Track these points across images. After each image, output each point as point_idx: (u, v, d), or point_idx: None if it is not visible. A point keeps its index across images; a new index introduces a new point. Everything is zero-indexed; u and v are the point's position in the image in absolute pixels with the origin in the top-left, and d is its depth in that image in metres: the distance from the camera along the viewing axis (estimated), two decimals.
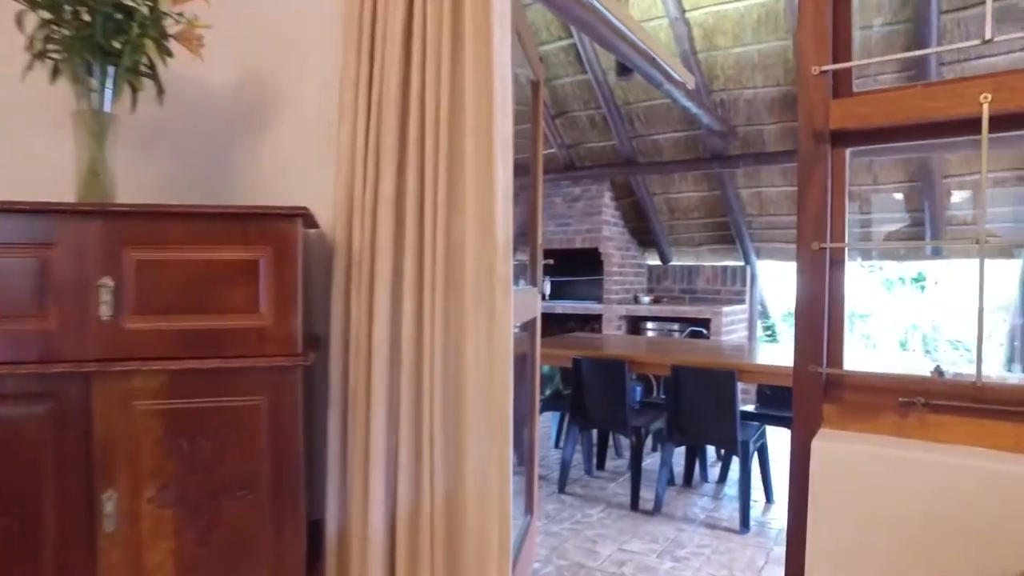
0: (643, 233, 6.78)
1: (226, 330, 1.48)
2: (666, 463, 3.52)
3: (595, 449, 4.26)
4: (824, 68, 1.27)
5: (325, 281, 1.81)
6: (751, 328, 6.47)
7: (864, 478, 1.15)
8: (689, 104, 4.54)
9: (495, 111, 1.61)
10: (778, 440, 4.20)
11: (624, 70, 4.06)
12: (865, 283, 7.33)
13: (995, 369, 6.31)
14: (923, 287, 7.88)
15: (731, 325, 5.97)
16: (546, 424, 5.08)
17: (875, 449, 1.15)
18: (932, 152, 4.83)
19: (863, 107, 1.23)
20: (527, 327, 2.72)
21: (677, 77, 4.16)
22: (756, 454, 3.44)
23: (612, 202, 6.59)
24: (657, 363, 3.63)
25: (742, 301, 6.38)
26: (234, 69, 1.92)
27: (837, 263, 1.32)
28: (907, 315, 6.79)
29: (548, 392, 4.55)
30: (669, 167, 5.97)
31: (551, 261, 2.79)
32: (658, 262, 6.97)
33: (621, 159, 6.18)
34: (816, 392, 1.28)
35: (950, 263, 6.15)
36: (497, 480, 1.65)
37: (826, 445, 1.21)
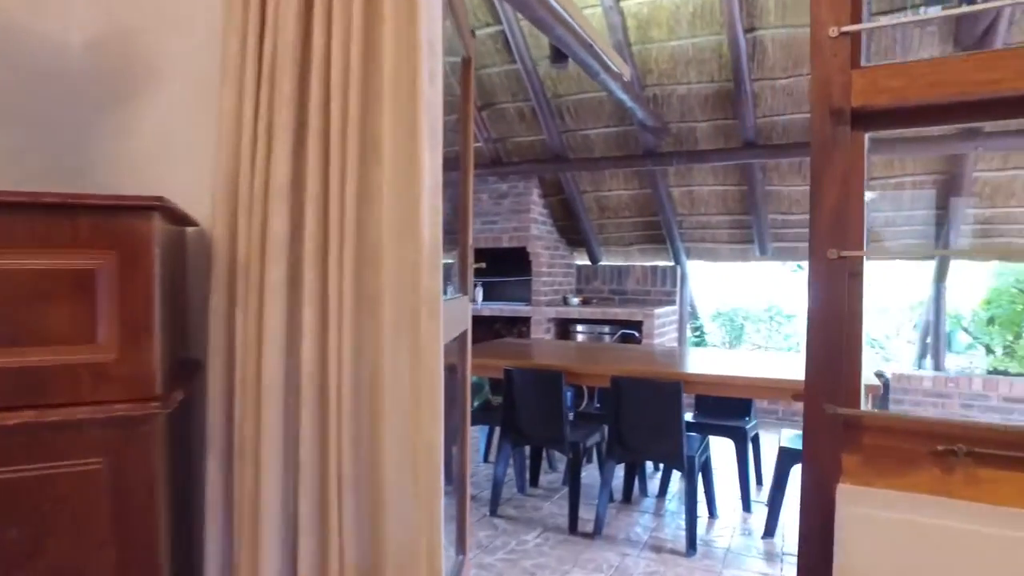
0: (572, 232, 6.56)
1: (45, 368, 1.07)
2: (606, 483, 3.26)
3: (528, 463, 3.97)
4: (845, 29, 1.00)
5: (208, 293, 1.41)
6: (681, 330, 6.38)
7: (902, 554, 0.90)
8: (624, 97, 4.32)
9: (421, 75, 1.27)
10: (720, 451, 4.05)
11: (559, 56, 3.78)
12: (790, 283, 7.45)
13: (906, 367, 6.49)
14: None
15: (662, 327, 5.84)
16: (474, 436, 4.74)
17: (915, 518, 0.90)
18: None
19: (895, 79, 0.97)
20: (457, 338, 2.38)
21: (614, 67, 3.93)
22: (699, 469, 3.24)
23: (540, 199, 6.33)
24: (596, 373, 3.37)
25: (672, 302, 6.27)
26: (96, 25, 1.48)
27: (855, 276, 1.07)
28: None
29: (477, 403, 4.23)
30: (600, 164, 5.76)
31: (483, 264, 2.46)
32: (587, 262, 6.78)
33: (550, 155, 5.92)
34: (834, 439, 1.02)
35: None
36: (426, 545, 1.30)
37: (852, 512, 0.94)
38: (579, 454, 3.39)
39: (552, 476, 4.14)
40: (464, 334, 2.37)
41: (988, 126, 4.45)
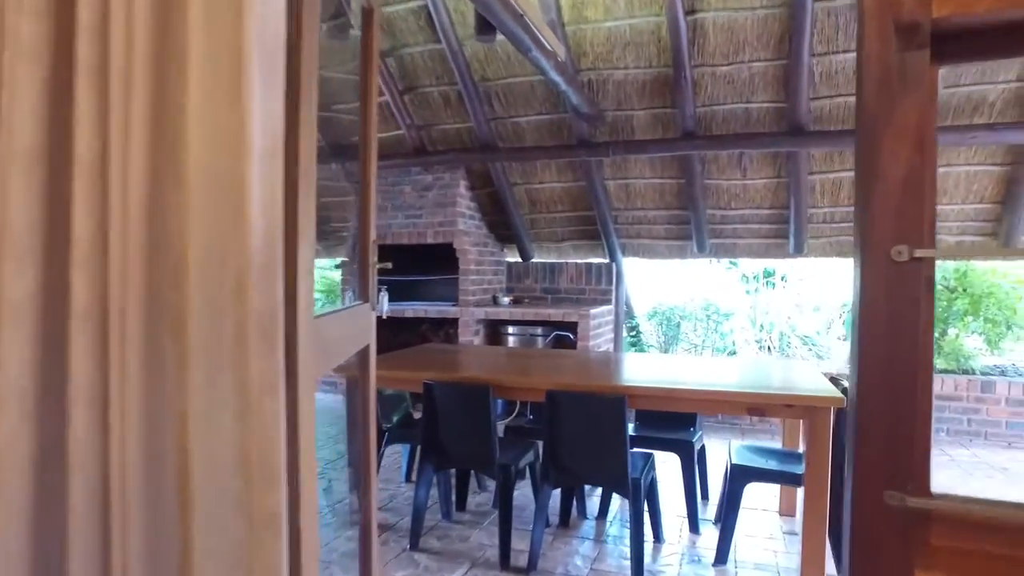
0: (502, 227, 6.15)
1: None
2: (542, 509, 2.86)
3: (454, 484, 3.54)
4: None
5: None
6: (617, 331, 6.09)
7: None
8: (558, 79, 3.94)
9: None
10: (661, 463, 3.73)
11: (485, 28, 3.36)
12: (724, 281, 7.31)
13: (838, 365, 6.44)
14: (772, 284, 8.01)
15: (598, 328, 5.51)
16: (396, 453, 4.28)
17: None
18: (805, 149, 4.64)
19: None
20: (359, 354, 1.92)
21: (547, 44, 3.53)
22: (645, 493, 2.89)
23: (468, 192, 5.89)
24: (528, 387, 2.96)
25: (608, 301, 5.97)
26: None
27: (929, 286, 0.69)
28: (764, 313, 6.80)
29: (397, 418, 3.75)
30: (531, 153, 5.37)
31: (388, 264, 2.00)
32: (518, 259, 6.39)
33: (478, 144, 5.49)
34: (901, 546, 0.64)
35: (806, 260, 6.20)
36: None
37: None
38: (510, 478, 2.98)
39: (482, 498, 3.72)
40: (366, 349, 1.91)
41: None
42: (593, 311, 5.33)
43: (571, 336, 5.39)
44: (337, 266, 6.18)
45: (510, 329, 5.67)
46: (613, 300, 6.01)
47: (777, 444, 3.70)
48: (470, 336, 5.64)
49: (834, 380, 2.89)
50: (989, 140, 4.22)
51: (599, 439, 2.71)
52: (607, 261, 6.04)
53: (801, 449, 3.22)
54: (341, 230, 6.89)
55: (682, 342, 6.65)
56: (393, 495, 3.78)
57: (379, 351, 6.03)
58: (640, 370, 3.35)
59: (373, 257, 1.93)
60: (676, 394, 2.66)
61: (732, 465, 2.89)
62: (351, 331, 1.70)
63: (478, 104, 5.17)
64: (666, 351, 6.59)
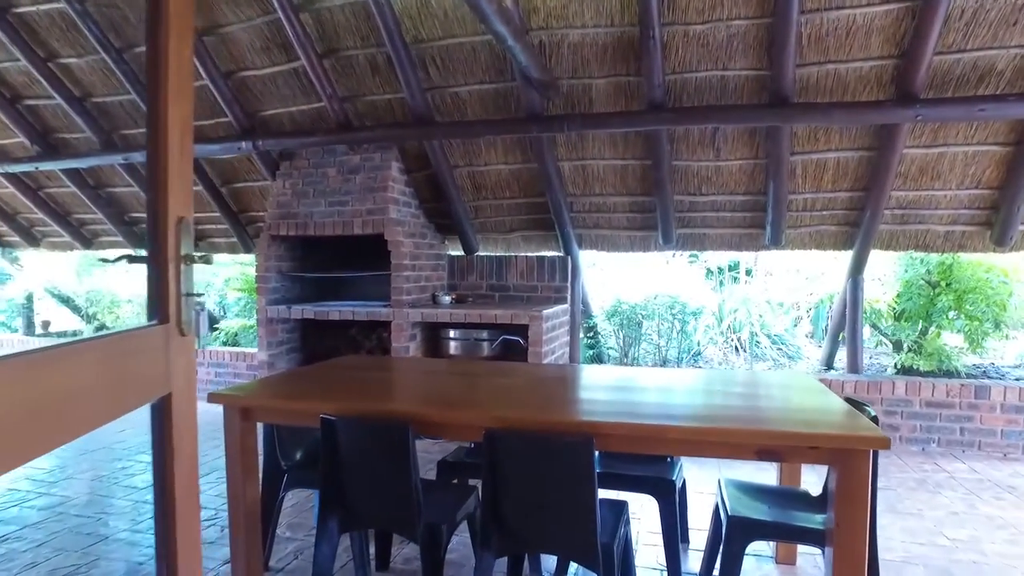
0: (442, 216, 5.39)
1: None
2: None
3: (372, 534, 2.78)
4: None
5: None
6: (573, 333, 5.41)
7: None
8: (503, 29, 3.20)
9: None
10: (634, 503, 3.04)
11: None
12: (688, 275, 6.75)
13: (813, 365, 5.95)
14: (736, 277, 7.49)
15: (552, 332, 4.81)
16: (301, 498, 3.48)
17: None
18: (789, 124, 4.02)
19: None
20: (155, 409, 1.15)
21: None
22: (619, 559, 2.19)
23: (402, 175, 5.10)
24: (461, 423, 2.22)
25: (563, 300, 5.28)
26: None
27: None
28: (731, 311, 6.24)
29: (300, 455, 2.96)
30: (474, 129, 4.62)
31: (209, 259, 1.24)
32: (461, 252, 5.63)
33: (413, 118, 4.70)
34: None
35: (781, 253, 5.66)
36: None
37: None
38: (440, 542, 2.24)
39: (411, 550, 2.97)
40: (164, 402, 1.13)
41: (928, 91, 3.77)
42: (546, 311, 4.62)
43: (521, 341, 4.67)
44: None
45: (452, 333, 4.91)
46: (569, 298, 5.32)
47: (771, 478, 3.07)
48: (405, 342, 4.86)
49: (857, 405, 2.25)
50: (997, 114, 3.69)
51: (557, 495, 1.99)
52: (562, 254, 5.35)
53: (809, 488, 2.58)
54: (251, 221, 5.99)
55: (644, 342, 6.02)
56: (300, 549, 2.99)
57: (302, 360, 5.07)
58: (607, 392, 2.64)
59: (182, 246, 1.15)
60: (661, 433, 1.96)
61: (729, 517, 2.22)
62: (113, 377, 0.92)
63: (410, 70, 4.38)
64: (626, 354, 5.95)
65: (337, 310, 5.04)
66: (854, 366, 4.91)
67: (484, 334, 4.84)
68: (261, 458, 2.92)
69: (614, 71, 4.17)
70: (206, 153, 5.25)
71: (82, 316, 7.49)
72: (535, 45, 4.11)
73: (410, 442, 2.12)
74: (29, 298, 7.49)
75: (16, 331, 7.52)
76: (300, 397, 2.48)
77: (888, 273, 5.85)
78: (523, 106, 4.41)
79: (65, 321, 8.03)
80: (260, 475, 2.90)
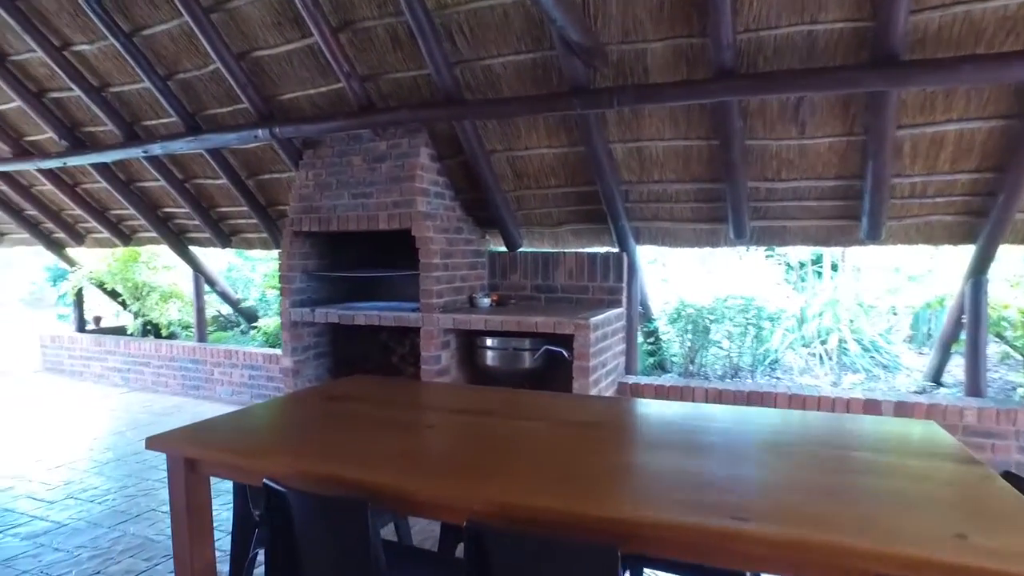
0: (481, 207, 4.80)
1: None
2: None
3: None
4: None
5: None
6: (630, 340, 4.73)
7: None
8: None
9: None
10: None
11: None
12: (765, 272, 5.91)
13: (915, 380, 5.03)
14: (819, 272, 6.57)
15: (604, 341, 4.16)
16: None
17: None
18: (897, 88, 3.19)
19: None
20: None
21: None
22: None
23: (433, 163, 4.54)
24: (438, 502, 1.62)
25: (617, 302, 4.60)
26: None
27: None
28: (815, 314, 5.38)
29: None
30: (508, 107, 3.99)
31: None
32: (504, 248, 5.04)
33: (440, 96, 4.12)
34: None
35: (880, 248, 4.76)
36: None
37: None
38: None
39: None
40: None
41: None
42: (595, 318, 3.98)
43: (565, 353, 4.05)
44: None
45: (488, 342, 4.34)
46: (624, 301, 4.64)
47: None
48: (436, 350, 4.32)
49: (1013, 478, 1.53)
50: (984, 78, 2.80)
51: None
52: (616, 251, 4.67)
53: None
54: (280, 216, 5.58)
55: (711, 351, 5.26)
56: None
57: (331, 366, 4.45)
58: (654, 452, 1.98)
59: None
60: (726, 540, 1.31)
61: None
62: None
63: (434, 42, 3.80)
64: (692, 361, 5.21)
65: (363, 314, 4.56)
66: (974, 387, 4.01)
67: (526, 343, 4.25)
68: (232, 506, 2.44)
69: (673, 32, 3.44)
70: (223, 143, 4.86)
71: (132, 312, 7.38)
72: (578, 4, 3.44)
73: (368, 525, 1.55)
74: (79, 294, 7.44)
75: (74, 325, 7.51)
76: (255, 448, 1.96)
77: (1021, 273, 4.84)
78: (565, 78, 3.75)
79: (106, 315, 7.99)
80: (232, 526, 2.43)
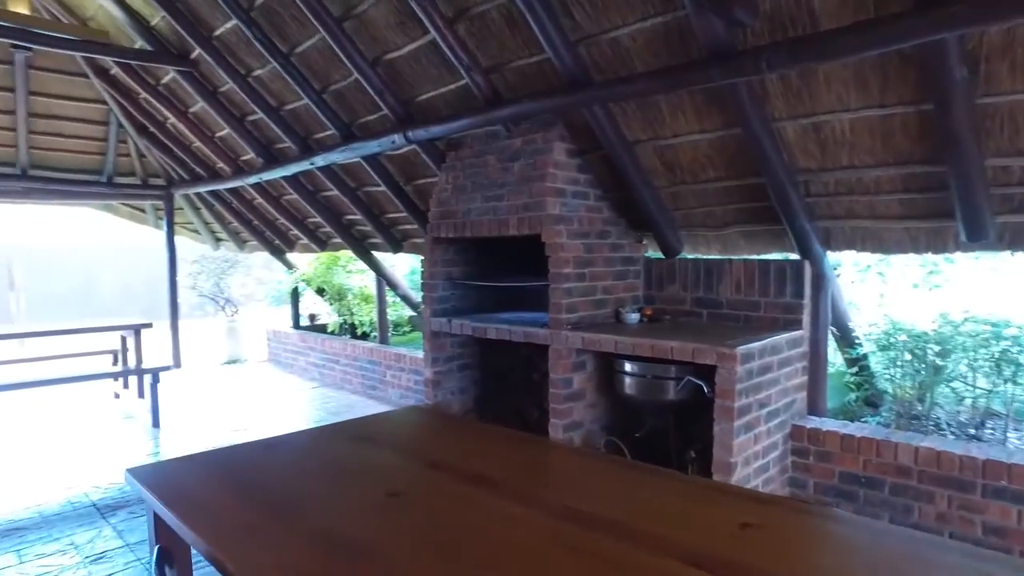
0: (636, 208, 4.13)
1: None
2: None
3: None
4: None
5: None
6: (816, 371, 3.68)
7: None
8: None
9: None
10: None
11: None
12: (866, 293, 4.34)
13: None
14: (937, 285, 4.51)
15: (765, 373, 3.25)
16: None
17: None
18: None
19: None
20: None
21: None
22: None
23: (571, 159, 4.00)
24: None
25: (796, 324, 3.61)
26: None
27: None
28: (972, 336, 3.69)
29: None
30: (635, 85, 3.28)
31: None
32: (662, 255, 4.31)
33: (564, 81, 3.58)
34: None
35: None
36: None
37: None
38: None
39: None
40: None
41: None
42: (750, 345, 3.12)
43: (704, 388, 3.25)
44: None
45: (627, 367, 3.69)
46: (807, 321, 3.63)
47: None
48: (567, 372, 3.81)
49: None
50: None
51: None
52: (797, 257, 3.68)
53: None
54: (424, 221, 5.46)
55: (948, 385, 3.90)
56: None
57: (477, 379, 4.14)
58: None
59: None
60: None
61: None
62: None
63: (547, 18, 3.27)
64: (921, 400, 3.92)
65: (494, 327, 4.21)
66: None
67: (670, 371, 3.52)
68: None
69: None
70: (368, 151, 4.88)
71: (336, 312, 8.03)
72: None
73: None
74: (295, 293, 8.31)
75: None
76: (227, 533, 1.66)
77: None
78: (704, 42, 2.95)
79: (323, 314, 8.76)
80: None
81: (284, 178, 6.08)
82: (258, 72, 5.08)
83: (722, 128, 3.40)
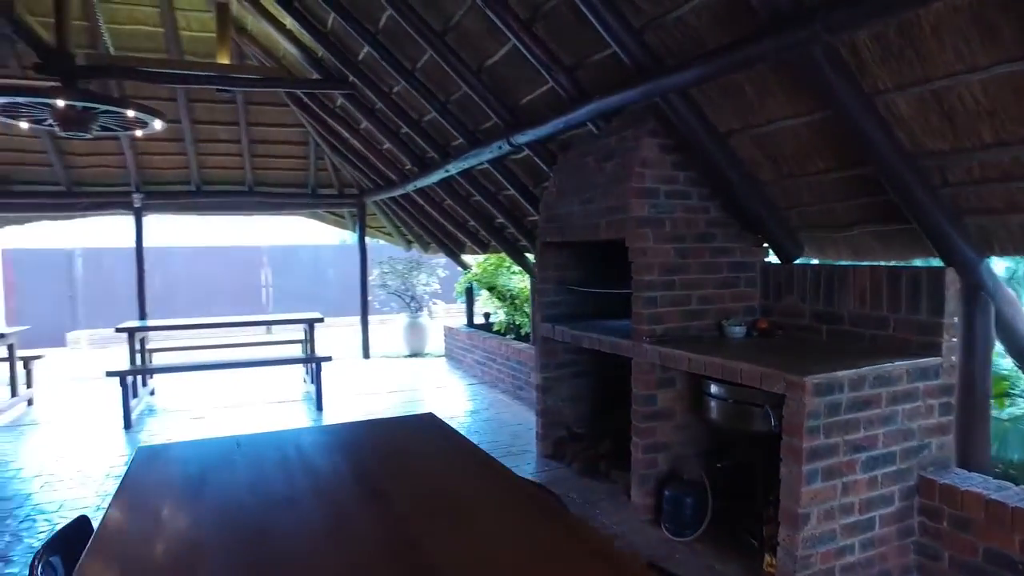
0: (741, 207, 3.63)
1: None
2: None
3: None
4: None
5: None
6: (968, 415, 2.88)
7: None
8: None
9: None
10: None
11: None
12: None
13: None
14: None
15: (868, 408, 2.62)
16: None
17: None
18: None
19: None
20: None
21: None
22: None
23: (666, 154, 3.64)
24: None
25: (933, 348, 2.86)
26: None
27: None
28: None
29: None
30: (711, 65, 2.86)
31: None
32: (779, 260, 3.72)
33: (633, 69, 3.26)
34: None
35: None
36: None
37: None
38: None
39: None
40: None
41: None
42: (845, 373, 2.57)
43: (773, 421, 2.74)
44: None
45: (713, 388, 3.27)
46: (951, 346, 2.85)
47: None
48: (650, 389, 3.52)
49: None
50: None
51: None
52: (940, 264, 2.91)
53: None
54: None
55: None
56: None
57: (591, 387, 4.35)
58: None
59: None
60: None
61: None
62: None
63: (602, 7, 3.01)
64: None
65: (587, 336, 4.03)
66: None
67: (758, 396, 3.03)
68: None
69: None
70: (480, 159, 4.97)
71: (504, 311, 8.32)
72: None
73: None
74: (469, 292, 8.78)
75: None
76: None
77: None
78: (758, 6, 2.47)
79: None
80: None
81: (437, 184, 6.45)
82: (397, 89, 5.47)
83: (818, 109, 2.82)
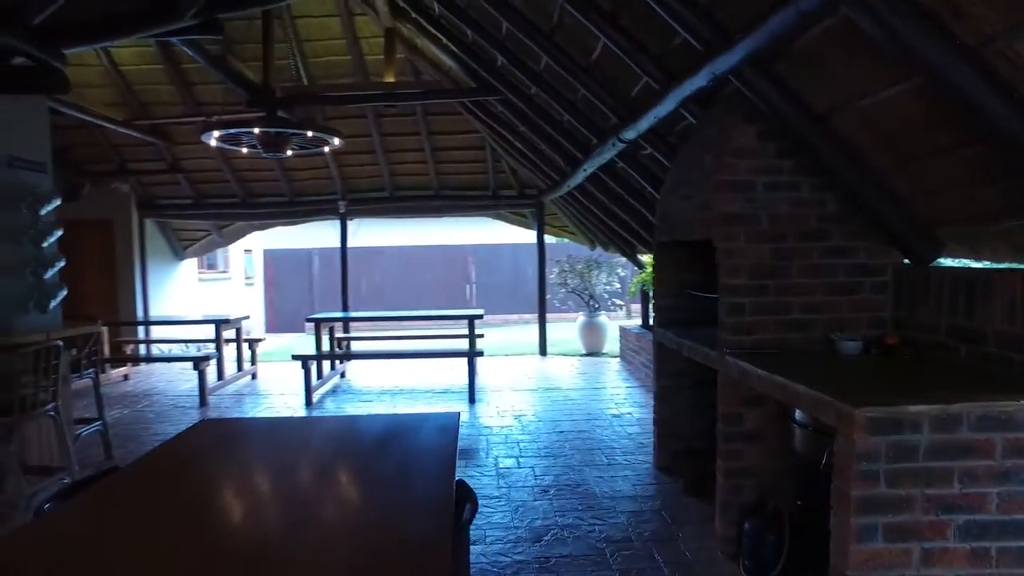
0: (861, 200, 3.03)
1: None
2: None
3: None
4: None
5: None
6: None
7: None
8: None
9: None
10: None
11: None
12: None
13: None
14: None
15: (969, 457, 2.03)
16: None
17: None
18: None
19: None
20: None
21: None
22: None
23: (765, 142, 3.19)
24: None
25: None
26: None
27: None
28: None
29: None
30: (761, 26, 2.44)
31: None
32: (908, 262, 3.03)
33: (700, 47, 2.90)
34: None
35: None
36: None
37: None
38: None
39: None
40: None
41: None
42: (929, 408, 2.07)
43: (824, 458, 2.26)
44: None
45: (796, 413, 2.82)
46: None
47: None
48: (734, 407, 3.16)
49: None
50: None
51: None
52: None
53: None
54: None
55: None
56: None
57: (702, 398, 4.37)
58: None
59: None
60: None
61: None
62: None
63: None
64: None
65: (686, 344, 3.70)
66: None
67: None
68: None
69: None
70: (604, 157, 4.80)
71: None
72: None
73: None
74: (644, 292, 8.50)
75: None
76: None
77: None
78: None
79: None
80: None
81: (587, 181, 6.38)
82: (534, 91, 5.54)
83: (916, 72, 2.25)
